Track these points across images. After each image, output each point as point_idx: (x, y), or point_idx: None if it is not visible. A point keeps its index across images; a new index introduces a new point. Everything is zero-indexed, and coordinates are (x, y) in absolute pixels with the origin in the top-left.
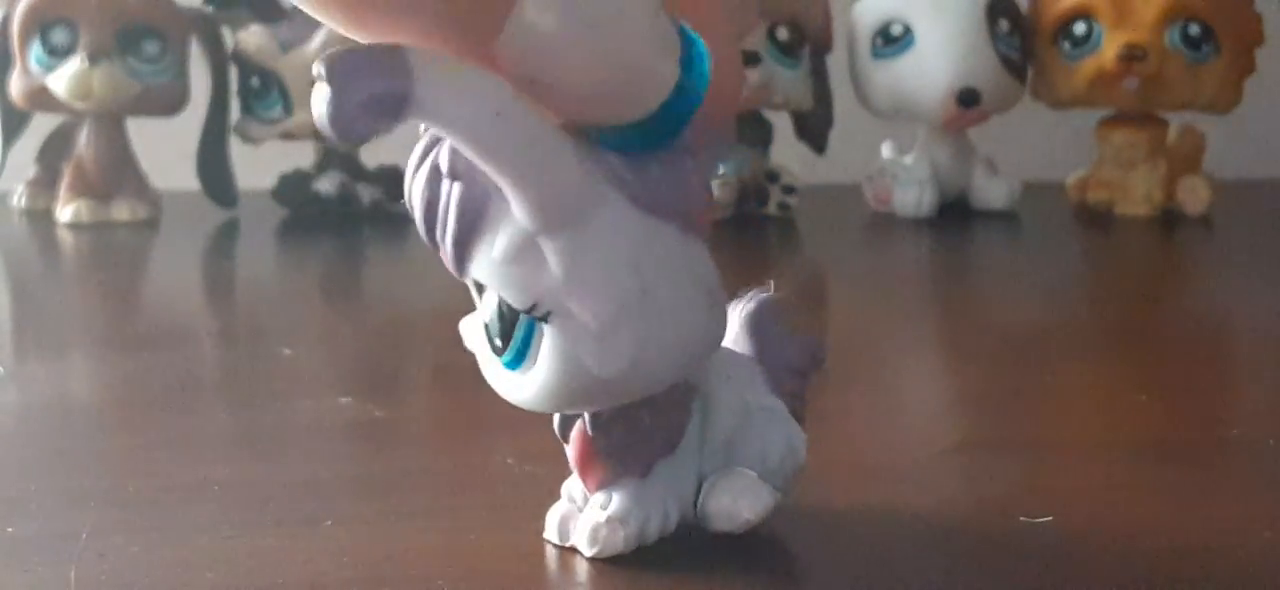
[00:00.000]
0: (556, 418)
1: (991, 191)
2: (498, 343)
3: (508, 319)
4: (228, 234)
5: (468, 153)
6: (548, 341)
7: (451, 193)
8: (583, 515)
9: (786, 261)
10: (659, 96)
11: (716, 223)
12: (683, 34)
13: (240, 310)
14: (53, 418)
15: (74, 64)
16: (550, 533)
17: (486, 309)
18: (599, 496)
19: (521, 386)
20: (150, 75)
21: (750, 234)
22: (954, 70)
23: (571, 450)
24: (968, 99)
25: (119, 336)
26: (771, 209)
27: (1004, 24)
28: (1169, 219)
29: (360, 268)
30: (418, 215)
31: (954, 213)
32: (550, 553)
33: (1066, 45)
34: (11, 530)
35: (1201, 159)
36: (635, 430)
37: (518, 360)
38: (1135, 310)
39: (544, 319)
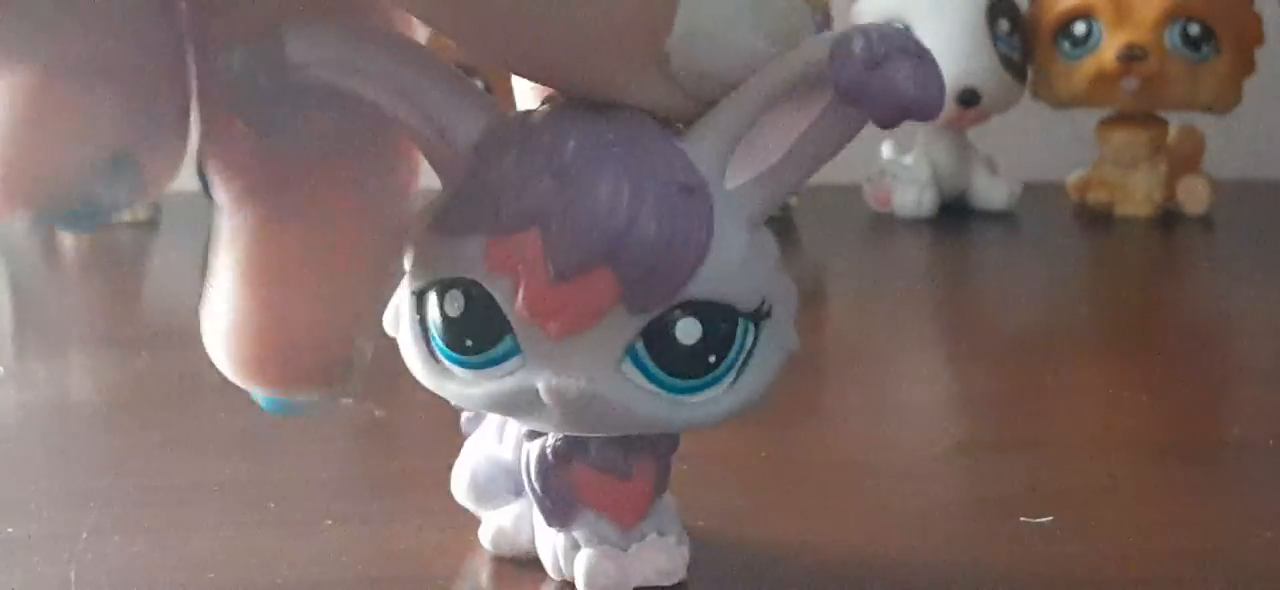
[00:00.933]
0: (549, 452)
1: (991, 192)
2: (711, 361)
3: (711, 339)
4: None
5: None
6: (765, 340)
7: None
8: (631, 549)
9: (786, 261)
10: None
11: None
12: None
13: None
14: (53, 418)
15: None
16: (554, 565)
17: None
18: (613, 528)
19: (716, 403)
20: None
21: None
22: (954, 70)
23: (626, 487)
24: (968, 99)
25: (119, 336)
26: None
27: (1004, 24)
28: (1169, 219)
29: None
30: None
31: (954, 213)
32: None
33: (1066, 45)
34: (11, 530)
35: (1201, 159)
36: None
37: (724, 375)
38: (1135, 310)
39: (768, 315)
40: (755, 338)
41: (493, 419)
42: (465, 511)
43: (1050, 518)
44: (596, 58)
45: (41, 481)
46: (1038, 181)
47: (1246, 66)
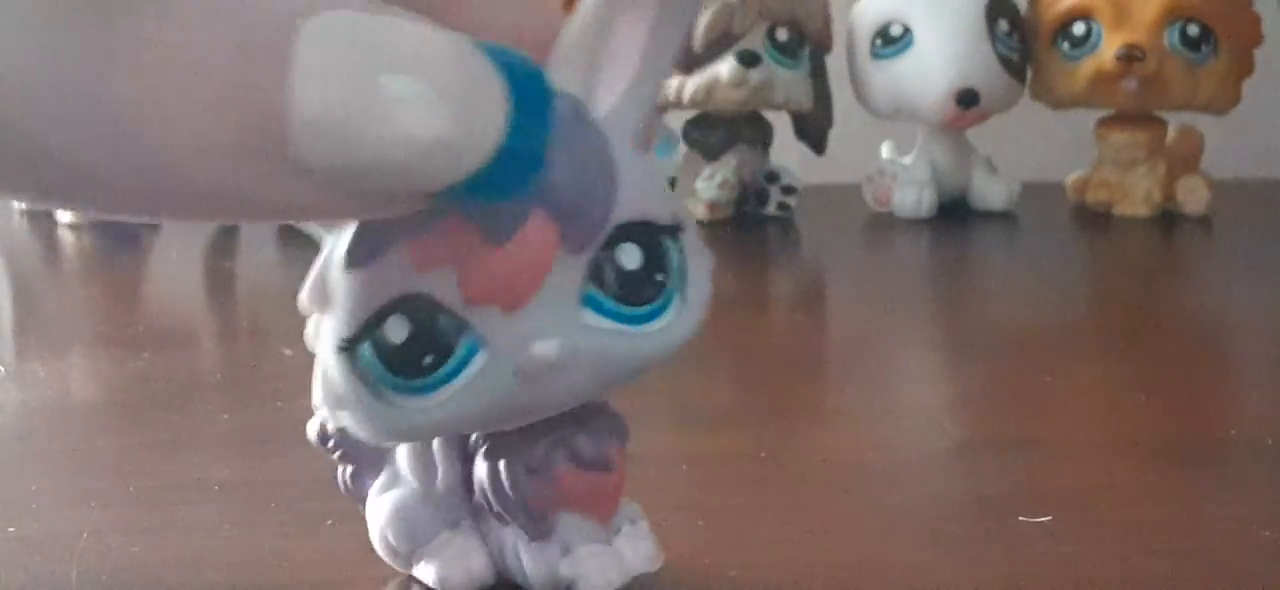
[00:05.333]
0: (523, 465)
1: (991, 192)
2: (659, 279)
3: (651, 259)
4: (228, 234)
5: None
6: (690, 254)
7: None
8: (609, 547)
9: (786, 261)
10: (485, 148)
11: (716, 223)
12: (514, 75)
13: (240, 310)
14: (53, 417)
15: None
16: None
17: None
18: (599, 532)
19: (681, 321)
20: None
21: (750, 234)
22: (953, 71)
23: (603, 479)
24: (967, 99)
25: (119, 336)
26: (771, 209)
27: (1003, 24)
28: (1168, 219)
29: None
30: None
31: (953, 213)
32: None
33: (1066, 45)
34: (13, 530)
35: (1200, 159)
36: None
37: (671, 294)
38: (1135, 310)
39: (683, 229)
40: (680, 253)
41: (403, 461)
42: None
43: (1049, 517)
44: (224, 177)
45: (42, 481)
46: (1037, 181)
47: (1245, 67)
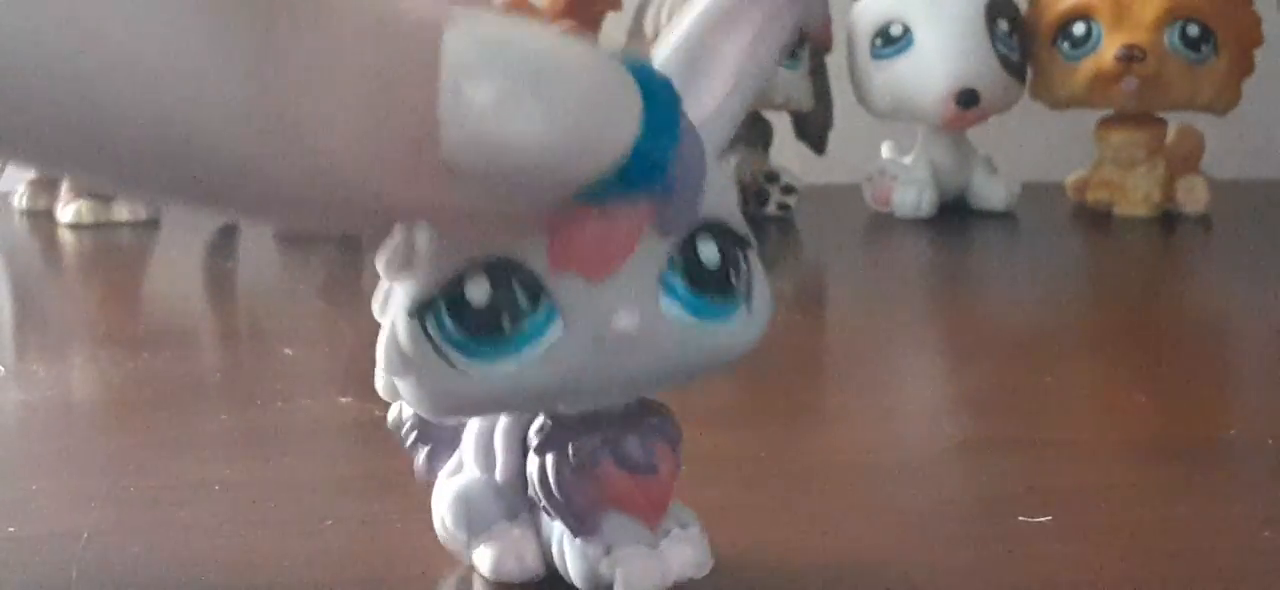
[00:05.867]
0: (571, 457)
1: (991, 192)
2: (732, 280)
3: (727, 260)
4: (228, 234)
5: None
6: (755, 266)
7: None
8: (659, 551)
9: (786, 261)
10: (625, 141)
11: None
12: (646, 81)
13: (241, 310)
14: (53, 417)
15: None
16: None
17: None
18: (644, 533)
19: (747, 328)
20: None
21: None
22: (953, 71)
23: (647, 482)
24: (967, 99)
25: (119, 336)
26: (771, 209)
27: (1003, 24)
28: (1168, 219)
29: (360, 268)
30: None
31: (953, 213)
32: None
33: (1066, 46)
34: (13, 530)
35: (1200, 159)
36: None
37: (741, 296)
38: (1135, 310)
39: (752, 244)
40: (748, 263)
41: (468, 450)
42: None
43: (1049, 518)
44: (370, 181)
45: (43, 481)
46: (1037, 181)
47: (1245, 67)
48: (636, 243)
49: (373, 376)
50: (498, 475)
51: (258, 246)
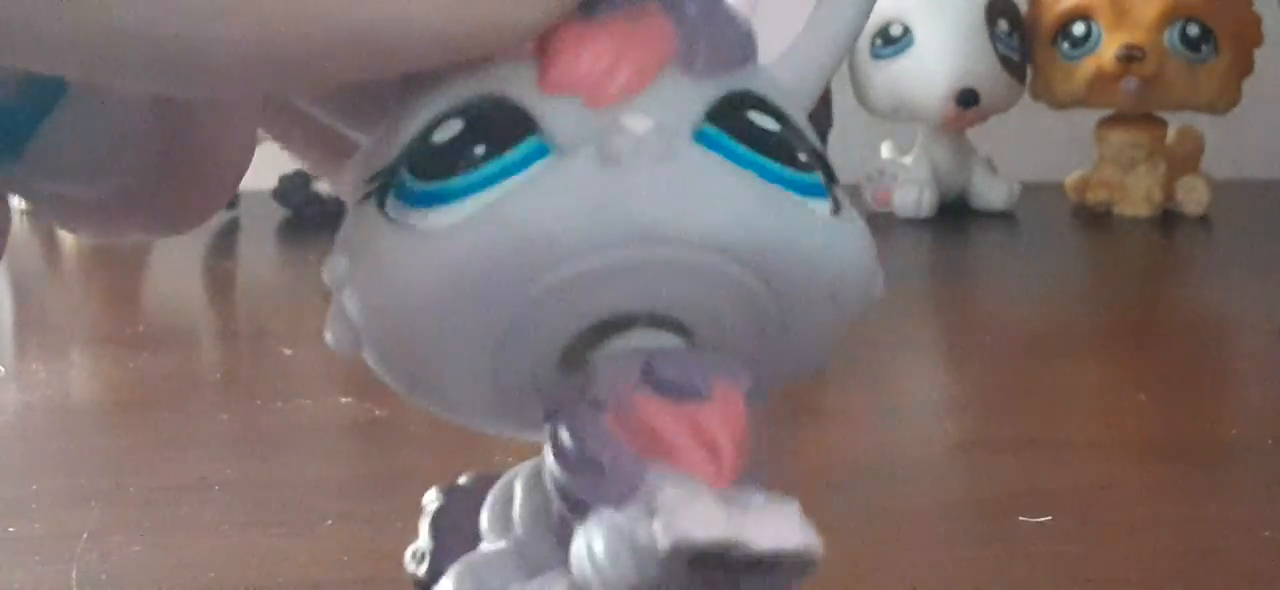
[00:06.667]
0: (589, 395)
1: (991, 191)
2: (800, 159)
3: (791, 135)
4: (228, 234)
5: None
6: (845, 212)
7: None
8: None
9: None
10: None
11: None
12: None
13: (241, 310)
14: (53, 417)
15: None
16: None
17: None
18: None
19: (843, 225)
20: None
21: None
22: (953, 71)
23: (699, 410)
24: (967, 99)
25: (119, 336)
26: None
27: (1003, 24)
28: (1168, 219)
29: None
30: None
31: (954, 213)
32: None
33: (1066, 46)
34: (13, 530)
35: (1200, 159)
36: None
37: (820, 185)
38: (1135, 310)
39: (835, 189)
40: (835, 201)
41: (483, 523)
42: None
43: (1050, 518)
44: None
45: (42, 481)
46: (1037, 181)
47: (1245, 67)
48: (653, 59)
49: (373, 376)
50: (517, 528)
51: (258, 246)
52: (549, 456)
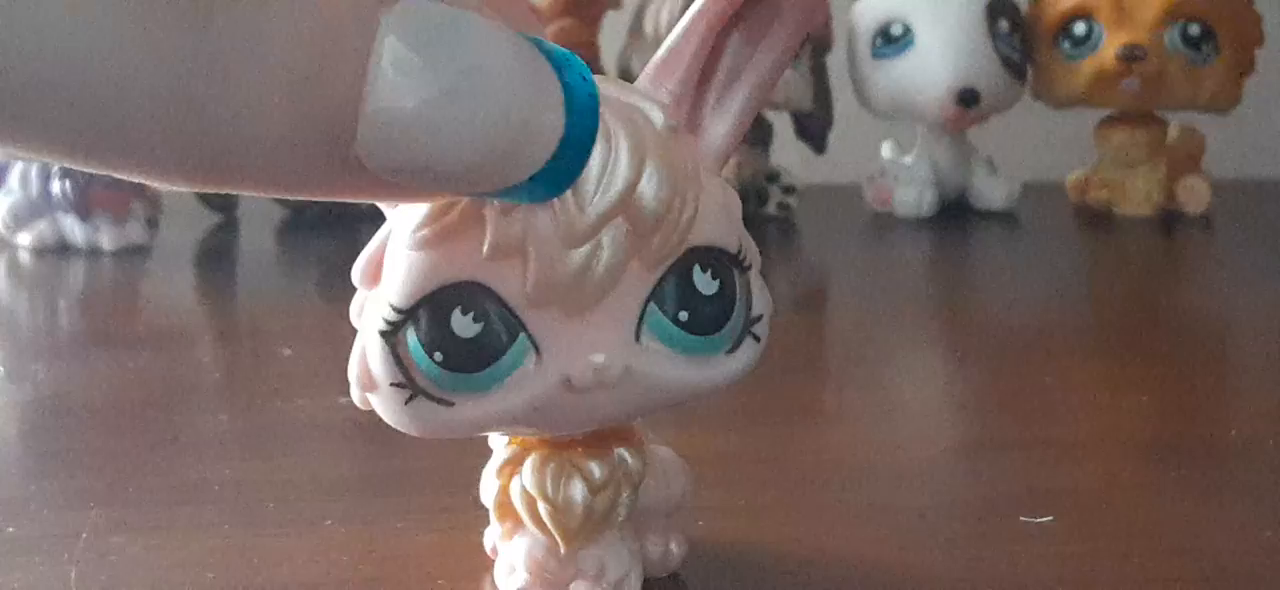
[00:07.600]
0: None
1: (991, 191)
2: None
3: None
4: (228, 234)
5: None
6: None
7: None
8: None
9: (787, 261)
10: (545, 152)
11: None
12: (556, 61)
13: (240, 310)
14: (53, 418)
15: None
16: None
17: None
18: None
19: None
20: None
21: (750, 234)
22: (954, 70)
23: None
24: (967, 99)
25: (119, 336)
26: (771, 209)
27: (1004, 24)
28: (1169, 219)
29: None
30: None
31: (954, 213)
32: None
33: (1066, 45)
34: (12, 530)
35: (1201, 159)
36: None
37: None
38: (1135, 310)
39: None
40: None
41: None
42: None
43: (1050, 518)
44: (283, 164)
45: (42, 481)
46: (1038, 181)
47: (1246, 66)
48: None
49: None
50: None
51: (257, 246)
52: None
